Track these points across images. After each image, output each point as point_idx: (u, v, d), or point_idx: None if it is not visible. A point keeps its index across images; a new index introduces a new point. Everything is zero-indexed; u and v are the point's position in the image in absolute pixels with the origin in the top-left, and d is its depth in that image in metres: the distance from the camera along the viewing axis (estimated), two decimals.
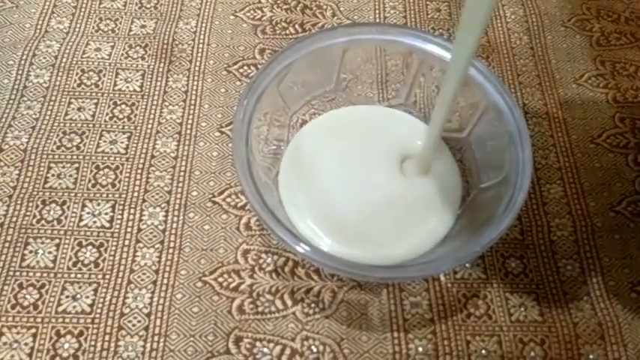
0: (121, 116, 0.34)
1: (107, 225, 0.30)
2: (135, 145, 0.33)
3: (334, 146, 0.31)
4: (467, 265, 0.30)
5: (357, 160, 0.31)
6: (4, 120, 0.33)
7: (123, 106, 0.34)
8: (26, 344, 0.27)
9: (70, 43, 0.36)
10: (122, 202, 0.31)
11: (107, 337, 0.27)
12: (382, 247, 0.28)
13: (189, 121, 0.34)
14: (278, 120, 0.31)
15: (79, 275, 0.29)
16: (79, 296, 0.28)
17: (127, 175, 0.32)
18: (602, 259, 0.30)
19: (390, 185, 0.30)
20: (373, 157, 0.31)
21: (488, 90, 0.30)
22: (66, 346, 0.27)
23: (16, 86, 0.35)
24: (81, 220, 0.30)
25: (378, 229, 0.29)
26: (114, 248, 0.29)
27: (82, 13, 0.38)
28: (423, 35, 0.30)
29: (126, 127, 0.33)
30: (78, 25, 0.37)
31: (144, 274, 0.29)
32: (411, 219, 0.29)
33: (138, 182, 0.32)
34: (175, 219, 0.30)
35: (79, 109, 0.34)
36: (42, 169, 0.32)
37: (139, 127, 0.33)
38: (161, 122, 0.34)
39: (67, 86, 0.35)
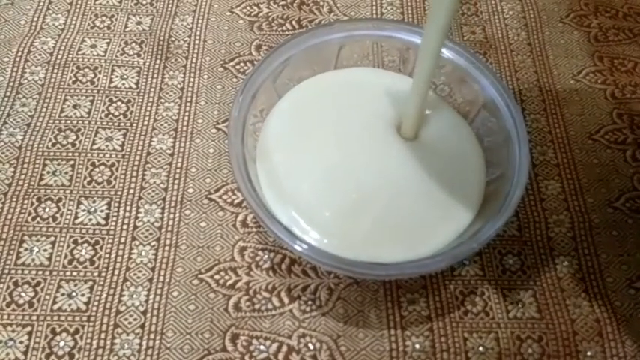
0: (116, 113, 0.34)
1: (103, 222, 0.30)
2: (131, 142, 0.33)
3: (312, 118, 0.30)
4: (464, 262, 0.29)
5: (342, 131, 0.29)
6: None
7: (119, 103, 0.34)
8: (21, 342, 0.27)
9: (66, 40, 0.36)
10: (118, 200, 0.31)
11: (103, 335, 0.27)
12: (383, 248, 0.27)
13: (186, 118, 0.34)
14: None
15: (74, 273, 0.29)
16: (74, 294, 0.28)
17: (123, 172, 0.32)
18: (599, 256, 0.30)
19: (396, 163, 0.28)
20: (363, 125, 0.29)
21: (486, 86, 0.29)
22: (61, 344, 0.27)
23: (11, 83, 0.34)
24: (76, 217, 0.30)
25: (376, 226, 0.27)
26: (110, 246, 0.29)
27: (77, 10, 0.38)
28: (420, 31, 0.30)
29: (122, 124, 0.33)
30: (73, 22, 0.37)
31: (140, 271, 0.29)
32: (419, 213, 0.27)
33: (134, 179, 0.31)
34: (171, 216, 0.30)
35: (74, 106, 0.34)
36: (37, 166, 0.32)
37: (134, 124, 0.33)
38: (157, 119, 0.33)
39: (62, 83, 0.35)
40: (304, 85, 0.31)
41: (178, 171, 0.32)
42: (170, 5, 0.38)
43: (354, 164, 0.28)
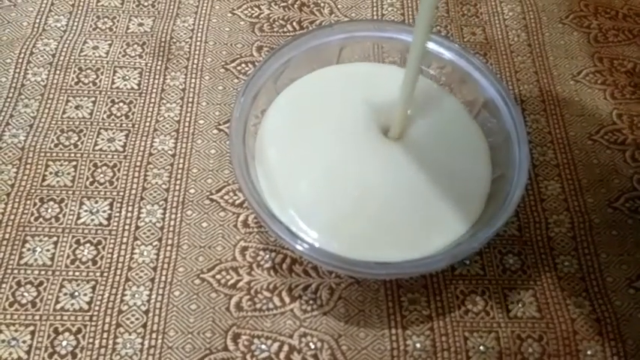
0: (118, 114, 0.34)
1: (105, 223, 0.30)
2: (133, 142, 0.33)
3: (309, 114, 0.29)
4: (465, 261, 0.30)
5: (338, 128, 0.29)
6: (1, 118, 0.33)
7: (120, 104, 0.34)
8: (24, 342, 0.27)
9: (68, 42, 0.36)
10: (120, 200, 0.31)
11: (105, 335, 0.27)
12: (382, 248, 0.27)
13: (187, 119, 0.34)
14: None
15: (77, 273, 0.29)
16: (77, 294, 0.28)
17: (125, 172, 0.32)
18: (599, 256, 0.30)
19: (392, 161, 0.28)
20: (359, 122, 0.29)
21: (486, 87, 0.30)
22: (64, 343, 0.27)
23: (13, 84, 0.35)
24: (79, 217, 0.30)
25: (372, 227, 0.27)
26: (112, 246, 0.30)
27: (79, 12, 0.38)
28: None
29: (124, 125, 0.33)
30: (75, 24, 0.37)
31: (142, 271, 0.29)
32: (418, 213, 0.27)
33: (136, 180, 0.32)
34: (173, 216, 0.30)
35: (76, 107, 0.34)
36: (40, 167, 0.32)
37: (136, 125, 0.33)
38: (159, 120, 0.34)
39: (64, 84, 0.35)
40: (303, 81, 0.31)
41: (180, 171, 0.32)
42: (172, 7, 0.38)
43: (351, 163, 0.28)
